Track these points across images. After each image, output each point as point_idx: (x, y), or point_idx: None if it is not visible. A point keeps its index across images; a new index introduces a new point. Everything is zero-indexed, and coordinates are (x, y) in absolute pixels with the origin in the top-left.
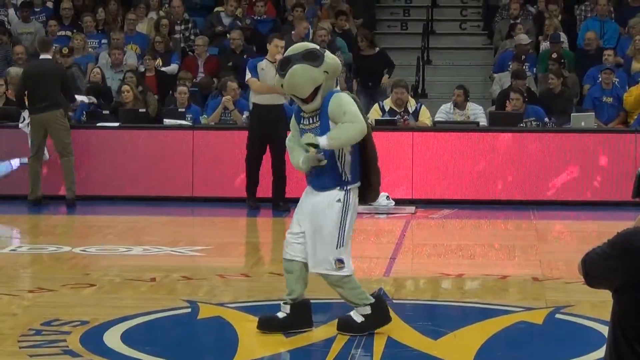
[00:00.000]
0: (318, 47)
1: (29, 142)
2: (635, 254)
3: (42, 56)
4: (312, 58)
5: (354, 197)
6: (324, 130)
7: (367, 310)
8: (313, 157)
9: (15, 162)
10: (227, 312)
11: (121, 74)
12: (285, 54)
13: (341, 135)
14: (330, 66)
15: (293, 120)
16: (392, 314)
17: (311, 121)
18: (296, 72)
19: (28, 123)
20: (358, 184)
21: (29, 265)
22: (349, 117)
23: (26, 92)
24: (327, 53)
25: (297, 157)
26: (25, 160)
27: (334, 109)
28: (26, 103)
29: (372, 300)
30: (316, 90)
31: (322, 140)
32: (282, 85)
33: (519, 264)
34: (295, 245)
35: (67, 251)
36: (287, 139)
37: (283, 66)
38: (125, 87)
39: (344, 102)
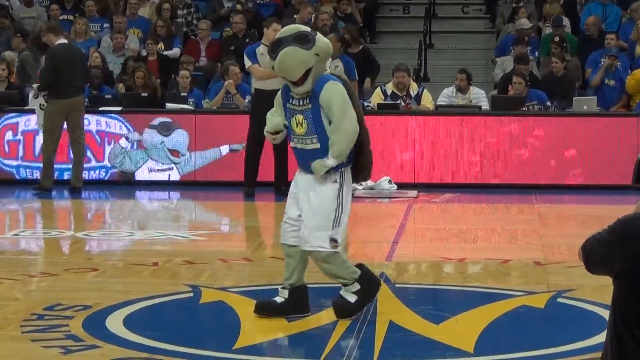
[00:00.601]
0: (309, 29)
1: (39, 124)
2: (635, 240)
3: (59, 41)
4: (303, 41)
5: (348, 177)
6: (315, 113)
7: (356, 286)
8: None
9: (224, 149)
10: (229, 297)
11: (123, 58)
12: (276, 36)
13: (342, 147)
14: (321, 49)
15: (279, 96)
16: (394, 298)
17: (302, 102)
18: (287, 55)
19: (41, 104)
20: (350, 164)
21: (32, 250)
22: (339, 113)
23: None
24: (319, 36)
25: (272, 121)
26: (237, 146)
27: (327, 98)
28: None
29: (358, 272)
30: (307, 73)
31: (331, 162)
32: (272, 67)
33: (521, 248)
34: (296, 232)
35: (69, 236)
36: (268, 112)
37: (274, 48)
38: (140, 74)
39: (337, 95)
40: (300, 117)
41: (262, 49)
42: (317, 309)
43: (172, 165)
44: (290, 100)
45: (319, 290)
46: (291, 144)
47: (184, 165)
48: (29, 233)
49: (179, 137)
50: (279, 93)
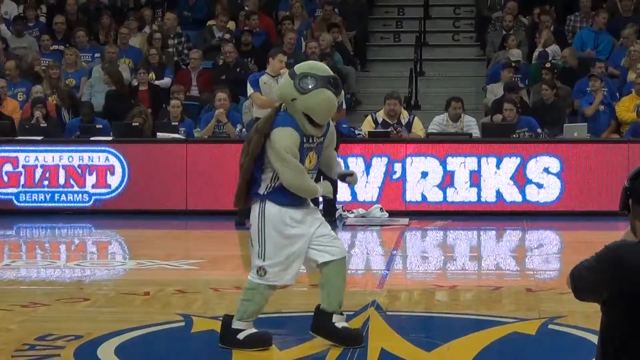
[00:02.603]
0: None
1: None
2: (622, 267)
3: None
4: (336, 85)
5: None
6: (322, 144)
7: (242, 325)
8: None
9: None
10: None
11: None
12: (306, 71)
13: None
14: (340, 98)
15: (298, 141)
16: (386, 325)
17: (316, 139)
18: (323, 98)
19: None
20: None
21: (23, 280)
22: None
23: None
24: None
25: (329, 187)
26: None
27: (332, 136)
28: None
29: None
30: None
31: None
32: (293, 99)
33: (513, 274)
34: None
35: (60, 265)
36: (294, 159)
37: (305, 83)
38: (176, 102)
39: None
40: (312, 153)
41: (265, 78)
42: (309, 337)
43: None
44: (308, 140)
45: (309, 319)
46: None
47: None
48: (21, 263)
49: None
50: (293, 137)
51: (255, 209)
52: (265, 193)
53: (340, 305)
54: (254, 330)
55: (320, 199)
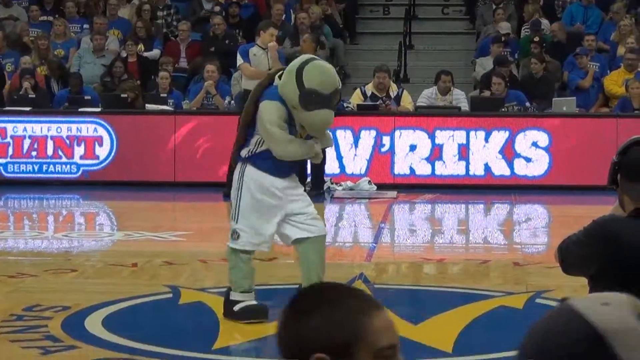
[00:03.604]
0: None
1: None
2: (609, 241)
3: None
4: (338, 99)
5: (250, 169)
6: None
7: (239, 297)
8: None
9: None
10: (208, 297)
11: (103, 59)
12: (315, 88)
13: None
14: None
15: (282, 114)
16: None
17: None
18: (323, 117)
19: None
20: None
21: (11, 250)
22: None
23: None
24: None
25: (300, 145)
26: None
27: None
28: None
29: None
30: None
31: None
32: (293, 107)
33: (500, 248)
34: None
35: (48, 236)
36: (280, 131)
37: (309, 100)
38: (164, 74)
39: None
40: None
41: (255, 50)
42: None
43: None
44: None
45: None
46: None
47: None
48: (9, 234)
49: None
50: (279, 111)
51: (236, 171)
52: (247, 156)
53: (320, 281)
54: (251, 302)
55: (309, 170)
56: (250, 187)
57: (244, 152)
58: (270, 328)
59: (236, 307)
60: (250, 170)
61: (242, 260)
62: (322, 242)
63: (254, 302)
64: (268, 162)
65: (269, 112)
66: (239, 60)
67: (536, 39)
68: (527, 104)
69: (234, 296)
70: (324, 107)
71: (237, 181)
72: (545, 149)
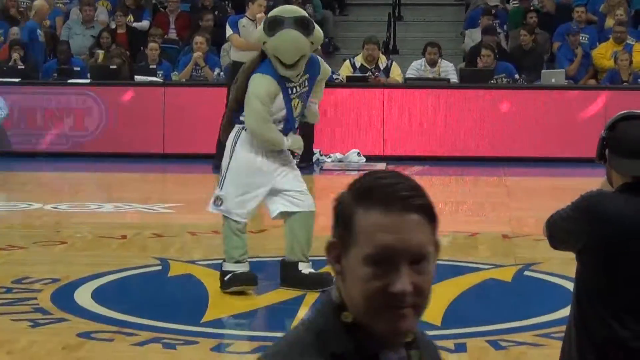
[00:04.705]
0: (307, 14)
1: None
2: (597, 217)
3: None
4: (304, 26)
5: (246, 134)
6: (308, 93)
7: (231, 267)
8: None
9: None
10: (197, 270)
11: (92, 30)
12: (275, 14)
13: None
14: (316, 38)
15: (271, 90)
16: None
17: (300, 88)
18: (287, 37)
19: None
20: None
21: (0, 223)
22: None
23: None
24: (315, 24)
25: (300, 141)
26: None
27: (326, 74)
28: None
29: (239, 268)
30: (300, 58)
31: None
32: (264, 43)
33: (489, 221)
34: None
35: (38, 208)
36: (261, 105)
37: (273, 26)
38: (154, 45)
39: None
40: (297, 101)
41: (244, 21)
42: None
43: None
44: (292, 91)
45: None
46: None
47: None
48: None
49: None
50: (269, 87)
51: (232, 134)
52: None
53: (305, 256)
54: (241, 270)
55: None
56: (243, 155)
57: (240, 117)
58: (259, 301)
59: (227, 277)
60: (246, 134)
61: (231, 231)
62: (311, 217)
63: (243, 270)
64: None
65: (258, 85)
66: (228, 31)
67: (533, 6)
68: (516, 75)
69: (226, 267)
70: (287, 27)
71: (231, 144)
72: (535, 121)
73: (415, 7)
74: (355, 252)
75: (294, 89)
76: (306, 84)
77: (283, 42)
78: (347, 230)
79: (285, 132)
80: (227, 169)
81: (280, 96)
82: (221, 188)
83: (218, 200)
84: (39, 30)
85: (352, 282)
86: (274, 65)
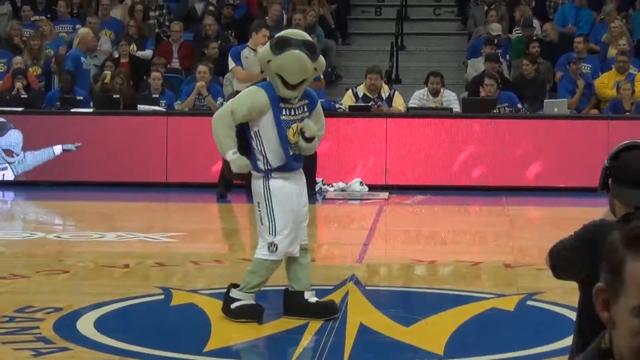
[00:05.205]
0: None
1: None
2: (599, 247)
3: None
4: (311, 50)
5: (274, 181)
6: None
7: (239, 295)
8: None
9: (57, 149)
10: (200, 299)
11: (95, 59)
12: (283, 34)
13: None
14: (320, 65)
15: (256, 105)
16: (365, 300)
17: (298, 112)
18: (295, 57)
19: None
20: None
21: (2, 252)
22: (322, 123)
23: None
24: (320, 50)
25: (243, 162)
26: (70, 147)
27: (319, 111)
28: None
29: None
30: (302, 81)
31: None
32: (268, 61)
33: (492, 250)
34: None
35: (40, 237)
36: (229, 114)
37: (280, 45)
38: (157, 75)
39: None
40: (296, 126)
41: (247, 52)
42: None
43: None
44: (285, 112)
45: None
46: (290, 153)
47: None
48: (1, 234)
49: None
50: (259, 99)
51: (258, 184)
52: (267, 168)
53: (310, 285)
54: (249, 302)
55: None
56: (280, 199)
57: (261, 164)
58: (262, 330)
59: (234, 305)
60: (274, 182)
61: (270, 269)
62: (307, 254)
63: (252, 302)
64: (279, 161)
65: (245, 95)
66: (231, 63)
67: (536, 36)
68: (519, 105)
69: (235, 294)
70: (293, 49)
71: (264, 195)
72: (537, 150)
73: (417, 37)
74: (624, 302)
75: (291, 110)
76: (305, 109)
77: (290, 61)
78: (616, 277)
79: (285, 154)
80: (273, 216)
81: (270, 114)
82: (274, 235)
83: (272, 247)
84: (82, 58)
85: (620, 332)
86: (274, 85)
